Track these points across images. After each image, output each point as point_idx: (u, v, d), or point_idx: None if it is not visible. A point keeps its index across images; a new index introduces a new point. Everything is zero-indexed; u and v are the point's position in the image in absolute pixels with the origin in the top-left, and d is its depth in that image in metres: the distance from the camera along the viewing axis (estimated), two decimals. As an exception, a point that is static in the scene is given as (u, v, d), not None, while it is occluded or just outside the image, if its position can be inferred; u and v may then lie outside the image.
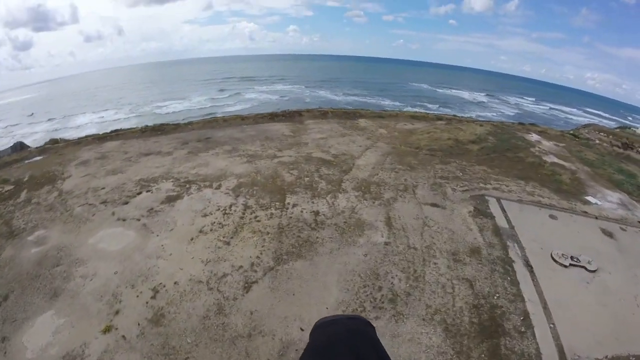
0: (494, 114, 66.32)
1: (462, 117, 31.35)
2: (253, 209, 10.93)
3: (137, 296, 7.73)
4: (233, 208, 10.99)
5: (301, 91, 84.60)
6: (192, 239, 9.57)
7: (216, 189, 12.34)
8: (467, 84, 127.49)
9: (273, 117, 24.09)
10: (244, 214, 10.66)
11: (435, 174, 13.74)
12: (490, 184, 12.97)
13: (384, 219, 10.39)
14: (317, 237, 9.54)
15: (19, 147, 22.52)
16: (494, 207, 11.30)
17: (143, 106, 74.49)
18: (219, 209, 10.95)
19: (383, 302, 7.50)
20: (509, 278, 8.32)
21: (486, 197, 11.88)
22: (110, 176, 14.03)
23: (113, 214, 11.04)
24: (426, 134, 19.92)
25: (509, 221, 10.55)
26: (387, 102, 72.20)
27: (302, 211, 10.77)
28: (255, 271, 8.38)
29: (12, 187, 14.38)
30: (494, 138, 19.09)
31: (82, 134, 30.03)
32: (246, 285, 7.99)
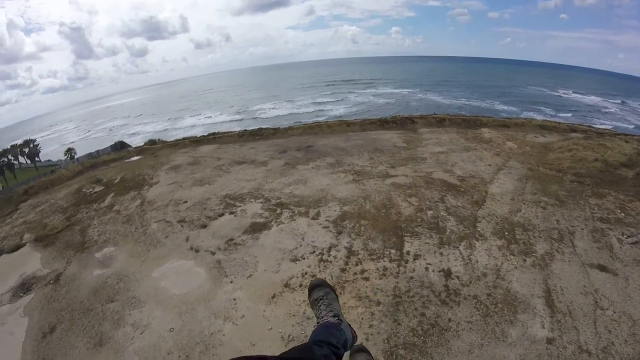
0: (628, 125, 56.27)
1: (598, 128, 26.39)
2: (360, 256, 8.07)
3: (190, 375, 5.66)
4: (333, 253, 8.25)
5: (407, 94, 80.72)
6: (273, 297, 7.08)
7: (313, 218, 9.77)
8: (582, 85, 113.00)
9: (382, 123, 21.44)
10: (347, 263, 7.86)
11: (592, 213, 10.06)
12: None
13: (543, 292, 7.08)
14: (450, 320, 6.45)
15: (119, 146, 22.90)
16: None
17: (247, 108, 76.34)
18: (314, 252, 8.31)
19: None
20: None
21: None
22: (196, 187, 12.68)
23: (187, 239, 9.45)
24: (567, 152, 15.98)
25: None
26: (501, 107, 65.78)
27: (427, 268, 7.68)
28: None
29: (102, 188, 14.13)
30: None
31: (188, 134, 30.30)
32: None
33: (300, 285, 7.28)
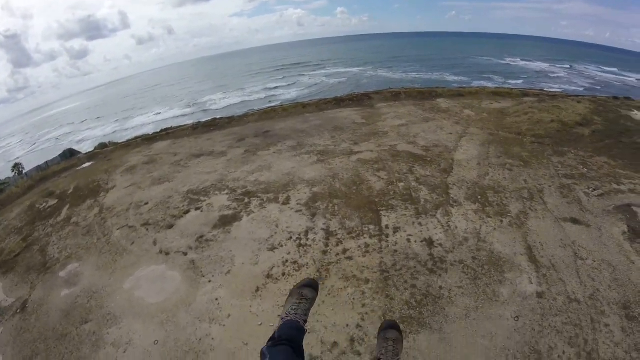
0: (577, 87, 58.53)
1: (549, 91, 27.15)
2: (339, 236, 7.80)
3: (187, 390, 5.21)
4: (311, 236, 7.93)
5: (358, 72, 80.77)
6: (257, 290, 6.69)
7: (284, 204, 9.38)
8: (529, 53, 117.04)
9: (339, 102, 21.07)
10: (327, 245, 7.57)
11: (556, 171, 10.39)
12: (624, 184, 9.50)
13: (524, 250, 7.20)
14: (442, 288, 6.35)
15: (69, 154, 21.52)
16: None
17: (197, 100, 74.21)
18: (291, 238, 7.96)
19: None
20: None
21: (634, 209, 8.48)
22: (155, 186, 11.92)
23: (155, 243, 8.77)
24: (524, 115, 16.50)
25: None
26: (452, 78, 66.83)
27: (408, 240, 7.53)
28: (359, 354, 5.33)
29: (55, 201, 13.05)
30: (600, 118, 15.55)
31: (139, 133, 29.04)
32: (347, 383, 5.01)
33: (284, 275, 6.94)
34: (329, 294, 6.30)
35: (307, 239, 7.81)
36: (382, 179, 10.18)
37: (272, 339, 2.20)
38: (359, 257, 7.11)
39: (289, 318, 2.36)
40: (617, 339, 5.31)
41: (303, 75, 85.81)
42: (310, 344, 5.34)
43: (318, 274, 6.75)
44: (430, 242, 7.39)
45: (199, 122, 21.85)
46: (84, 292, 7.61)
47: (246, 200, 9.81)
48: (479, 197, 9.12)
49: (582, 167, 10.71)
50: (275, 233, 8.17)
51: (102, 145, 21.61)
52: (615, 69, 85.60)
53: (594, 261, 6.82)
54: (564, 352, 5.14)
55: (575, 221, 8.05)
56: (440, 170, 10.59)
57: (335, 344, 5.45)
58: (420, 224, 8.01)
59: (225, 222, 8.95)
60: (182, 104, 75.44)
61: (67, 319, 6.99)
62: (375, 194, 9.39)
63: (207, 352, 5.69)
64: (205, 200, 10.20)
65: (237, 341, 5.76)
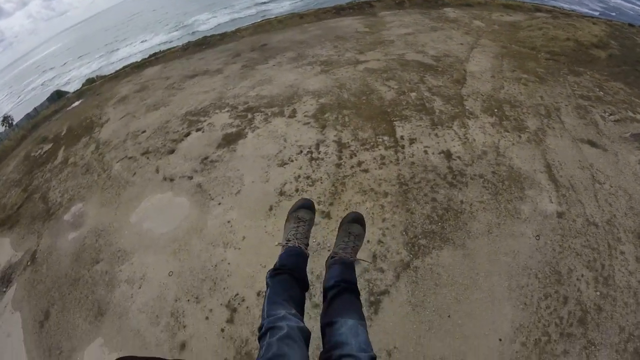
0: (592, 12, 54.66)
1: (563, 8, 25.67)
2: (352, 148, 7.30)
3: (207, 317, 5.12)
4: (322, 149, 7.42)
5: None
6: (270, 209, 6.33)
7: (290, 117, 8.78)
8: None
9: (338, 11, 19.65)
10: (340, 158, 7.11)
11: (573, 90, 9.68)
12: (639, 113, 9.02)
13: (543, 167, 6.78)
14: (462, 202, 5.99)
15: (57, 96, 20.98)
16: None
17: (183, 23, 70.37)
18: (301, 152, 7.46)
19: (571, 325, 4.55)
20: None
21: (651, 138, 8.09)
22: (151, 113, 11.23)
23: (157, 170, 8.28)
24: (538, 30, 15.32)
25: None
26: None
27: (425, 151, 7.06)
28: (382, 271, 5.10)
29: (50, 145, 12.60)
30: (617, 43, 14.27)
31: (127, 63, 27.87)
32: (371, 301, 4.82)
33: (297, 191, 6.54)
34: (347, 209, 5.95)
35: (319, 152, 7.33)
36: (393, 88, 9.49)
37: (273, 268, 2.25)
38: (375, 169, 6.69)
39: (289, 244, 2.37)
40: (631, 267, 5.15)
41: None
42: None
43: (334, 189, 6.37)
44: (448, 155, 6.92)
45: (189, 42, 20.68)
46: (90, 232, 7.31)
47: (249, 116, 9.21)
48: (496, 110, 8.50)
49: (598, 89, 10.03)
50: (284, 148, 7.68)
51: (90, 81, 20.81)
52: None
53: (611, 186, 6.47)
54: (582, 275, 4.96)
55: (592, 144, 7.60)
56: (452, 81, 9.85)
57: (356, 261, 5.26)
58: (436, 135, 7.48)
59: (230, 140, 8.43)
60: (167, 28, 71.82)
61: (78, 263, 6.77)
62: (387, 103, 8.76)
63: (225, 279, 5.46)
64: (205, 120, 9.60)
65: (255, 265, 5.50)
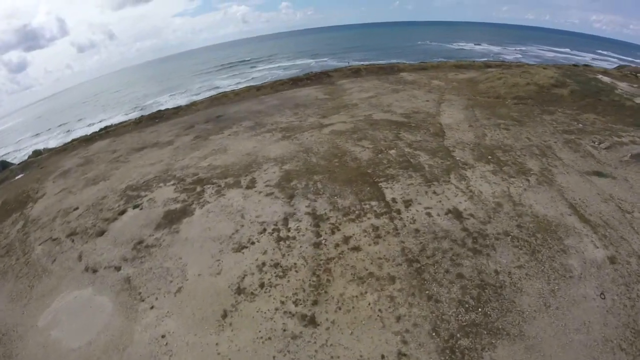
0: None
1: (511, 62, 28.02)
2: (332, 220, 5.75)
3: None
4: (292, 224, 5.81)
5: (307, 63, 78.52)
6: (224, 316, 4.50)
7: (248, 187, 7.25)
8: (476, 37, 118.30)
9: (296, 82, 19.26)
10: (318, 234, 5.49)
11: (554, 127, 9.71)
12: (623, 136, 9.07)
13: (568, 208, 5.90)
14: (498, 271, 4.59)
15: (1, 167, 19.08)
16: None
17: (144, 104, 69.94)
18: (264, 230, 5.79)
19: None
20: None
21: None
22: (89, 188, 9.71)
23: (80, 257, 6.56)
24: (497, 80, 15.84)
25: None
26: (401, 60, 65.92)
27: (429, 214, 5.66)
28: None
29: None
30: (572, 81, 15.33)
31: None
32: None
33: (262, 286, 4.73)
34: (340, 308, 4.26)
35: (289, 229, 5.69)
36: (367, 147, 8.35)
37: None
38: (369, 245, 5.09)
39: None
40: None
41: (252, 68, 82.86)
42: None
43: (316, 279, 4.65)
44: (457, 214, 5.56)
45: (142, 116, 19.37)
46: (-9, 337, 5.39)
47: (198, 188, 7.60)
48: (489, 157, 7.72)
49: (576, 122, 10.31)
50: (242, 226, 6.00)
51: (37, 153, 19.01)
52: (567, 49, 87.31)
53: (640, 212, 5.81)
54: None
55: (599, 174, 7.17)
56: (431, 135, 9.15)
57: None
58: (434, 192, 6.17)
59: (172, 218, 6.73)
60: (127, 108, 71.00)
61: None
62: (365, 164, 7.49)
63: None
64: (146, 196, 8.00)
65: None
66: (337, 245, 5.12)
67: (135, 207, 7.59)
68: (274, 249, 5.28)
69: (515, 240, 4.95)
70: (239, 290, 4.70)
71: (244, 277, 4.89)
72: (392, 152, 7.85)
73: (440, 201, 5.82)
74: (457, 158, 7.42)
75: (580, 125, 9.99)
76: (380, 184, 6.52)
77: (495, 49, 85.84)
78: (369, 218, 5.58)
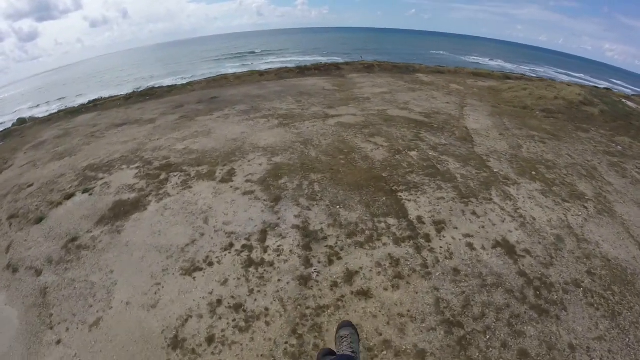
0: None
1: (532, 76, 26.21)
2: (331, 242, 4.03)
3: None
4: (272, 241, 4.09)
5: (318, 60, 77.45)
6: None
7: (223, 181, 5.63)
8: (490, 53, 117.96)
9: (302, 71, 17.74)
10: (307, 261, 3.77)
11: (594, 147, 8.41)
12: None
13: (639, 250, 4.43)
14: (574, 346, 3.05)
15: None
16: None
17: (145, 85, 68.71)
18: (231, 246, 4.12)
19: None
20: None
21: None
22: (52, 163, 8.40)
23: (8, 249, 5.07)
24: (522, 91, 14.72)
25: None
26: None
27: (470, 245, 4.03)
28: None
29: None
30: (599, 101, 14.18)
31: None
32: None
33: (210, 342, 3.03)
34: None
35: (265, 249, 3.99)
36: (381, 145, 6.75)
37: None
38: (385, 289, 3.40)
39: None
40: None
41: (260, 60, 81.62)
42: None
43: (296, 341, 2.92)
44: (509, 248, 3.94)
45: (134, 92, 18.02)
46: None
47: (162, 176, 5.97)
48: (533, 172, 6.16)
49: (614, 145, 9.14)
50: (202, 235, 4.35)
51: (21, 122, 17.77)
52: (581, 74, 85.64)
53: None
54: None
55: None
56: (457, 139, 7.63)
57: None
58: (474, 213, 4.52)
59: (119, 212, 5.11)
60: (129, 87, 69.72)
61: None
62: (379, 165, 5.84)
63: None
64: (103, 178, 6.46)
65: None
66: (335, 284, 3.42)
67: (85, 191, 6.03)
68: (239, 279, 3.59)
69: (589, 295, 3.41)
70: (175, 343, 3.04)
71: (186, 321, 3.23)
72: (413, 153, 6.27)
73: (483, 226, 4.21)
74: (495, 170, 5.85)
75: (620, 147, 8.82)
76: (399, 193, 4.88)
77: (510, 66, 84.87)
78: (385, 244, 3.91)
